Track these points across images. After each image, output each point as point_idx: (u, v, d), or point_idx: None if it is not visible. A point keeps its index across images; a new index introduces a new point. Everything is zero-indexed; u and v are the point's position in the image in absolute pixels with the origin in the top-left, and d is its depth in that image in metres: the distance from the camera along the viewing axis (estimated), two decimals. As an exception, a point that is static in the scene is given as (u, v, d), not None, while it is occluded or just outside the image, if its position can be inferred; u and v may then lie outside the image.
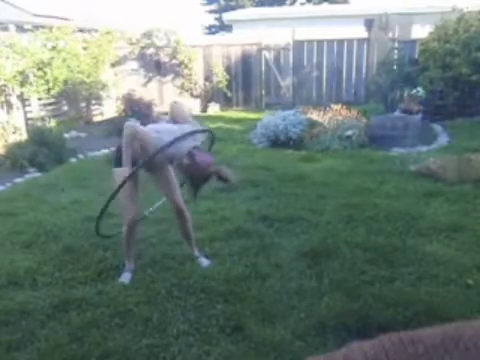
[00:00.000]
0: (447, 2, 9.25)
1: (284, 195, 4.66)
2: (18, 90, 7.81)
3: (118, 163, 2.86)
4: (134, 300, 2.77)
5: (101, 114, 10.61)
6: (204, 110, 11.29)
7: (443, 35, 8.38)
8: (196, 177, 2.76)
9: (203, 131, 3.26)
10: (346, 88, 11.46)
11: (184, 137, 2.75)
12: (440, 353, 1.04)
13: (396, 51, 9.68)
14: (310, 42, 11.23)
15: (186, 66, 11.30)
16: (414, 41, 9.71)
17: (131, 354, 2.31)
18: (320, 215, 4.08)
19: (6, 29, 7.93)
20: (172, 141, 2.68)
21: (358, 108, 8.03)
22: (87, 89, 9.36)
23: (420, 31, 9.16)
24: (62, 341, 2.40)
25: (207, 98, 11.48)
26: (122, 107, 9.62)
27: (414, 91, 8.40)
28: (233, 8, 20.82)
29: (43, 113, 8.76)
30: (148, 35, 11.14)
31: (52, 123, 8.16)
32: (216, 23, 25.50)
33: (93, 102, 10.31)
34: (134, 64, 11.55)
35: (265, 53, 11.38)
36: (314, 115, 7.52)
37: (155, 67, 11.65)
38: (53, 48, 8.41)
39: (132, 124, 2.85)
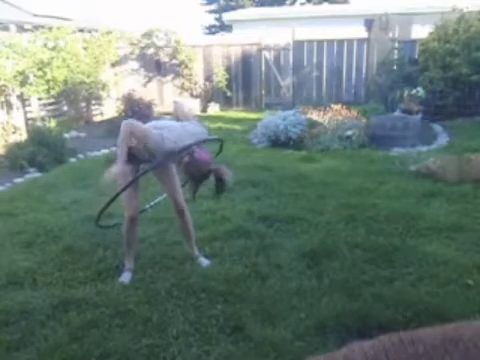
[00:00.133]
0: (447, 2, 9.26)
1: (284, 195, 4.66)
2: (18, 90, 7.81)
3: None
4: (134, 300, 2.77)
5: (101, 114, 10.61)
6: (204, 110, 11.30)
7: (443, 35, 8.39)
8: (195, 174, 2.76)
9: (213, 140, 3.26)
10: (346, 88, 11.47)
11: (195, 144, 2.76)
12: (440, 353, 1.04)
13: (396, 51, 9.69)
14: (310, 42, 11.23)
15: (186, 66, 11.31)
16: (414, 41, 9.71)
17: (131, 354, 2.31)
18: (320, 215, 4.08)
19: (6, 29, 7.93)
20: (188, 145, 2.69)
21: (358, 108, 8.03)
22: (87, 89, 9.36)
23: (420, 31, 9.16)
24: (62, 341, 2.40)
25: (207, 98, 11.48)
26: (122, 107, 9.62)
27: (414, 91, 8.41)
28: (233, 8, 20.82)
29: (43, 113, 8.75)
30: (148, 35, 11.15)
31: (52, 123, 8.17)
32: (216, 23, 25.50)
33: (93, 102, 10.30)
34: (134, 64, 11.57)
35: (265, 53, 11.39)
36: (314, 115, 7.53)
37: (155, 67, 11.66)
38: (53, 48, 8.41)
39: (130, 121, 2.84)
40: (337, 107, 7.74)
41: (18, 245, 3.65)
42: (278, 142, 7.01)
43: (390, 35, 9.66)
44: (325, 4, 21.99)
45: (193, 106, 10.85)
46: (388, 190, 4.74)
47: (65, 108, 9.63)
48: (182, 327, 2.50)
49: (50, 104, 9.12)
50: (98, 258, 3.33)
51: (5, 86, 7.57)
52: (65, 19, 9.42)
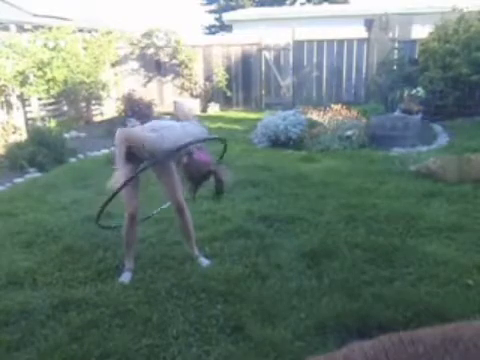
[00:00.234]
0: (447, 2, 9.26)
1: (284, 195, 4.66)
2: (18, 90, 7.81)
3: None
4: (134, 300, 2.77)
5: (101, 114, 10.60)
6: (204, 110, 11.30)
7: (443, 35, 8.39)
8: (194, 175, 2.76)
9: (213, 139, 3.27)
10: (346, 88, 11.46)
11: (195, 143, 2.78)
12: (440, 353, 1.04)
13: (396, 51, 9.68)
14: (310, 42, 11.23)
15: (186, 66, 11.31)
16: (414, 41, 9.71)
17: (131, 354, 2.31)
18: (320, 215, 4.08)
19: (6, 29, 7.93)
20: (187, 143, 2.71)
21: (358, 108, 8.03)
22: (87, 89, 9.36)
23: (420, 31, 9.16)
24: (62, 341, 2.40)
25: (207, 98, 11.49)
26: (122, 107, 9.62)
27: (414, 91, 8.41)
28: (233, 8, 20.82)
29: (43, 113, 8.75)
30: (148, 35, 11.15)
31: (52, 123, 8.16)
32: (216, 23, 25.50)
33: (93, 102, 10.30)
34: (134, 64, 11.57)
35: (265, 53, 11.39)
36: (314, 115, 7.53)
37: (155, 67, 11.66)
38: (53, 48, 8.41)
39: (124, 129, 2.85)
40: (337, 107, 7.74)
41: (18, 245, 3.65)
42: (278, 142, 7.01)
43: (390, 35, 9.66)
44: (325, 4, 21.99)
45: (193, 106, 10.85)
46: (388, 190, 4.74)
47: (65, 108, 9.63)
48: (182, 327, 2.50)
49: (50, 104, 9.12)
50: (98, 258, 3.33)
51: (5, 86, 7.57)
52: (65, 19, 9.41)
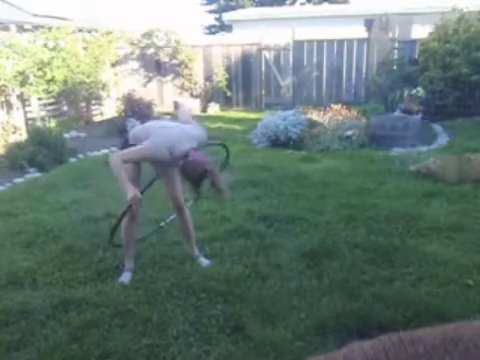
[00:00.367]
0: (447, 2, 9.26)
1: (284, 195, 4.66)
2: (18, 90, 7.81)
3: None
4: (134, 300, 2.77)
5: (101, 114, 10.61)
6: (204, 110, 11.30)
7: (443, 35, 8.39)
8: (191, 175, 2.77)
9: (215, 144, 3.28)
10: (346, 88, 11.46)
11: (202, 147, 2.85)
12: (440, 353, 1.04)
13: (396, 51, 9.68)
14: (310, 42, 11.23)
15: (186, 66, 11.31)
16: (414, 41, 9.71)
17: (131, 354, 2.31)
18: (320, 215, 4.08)
19: (6, 29, 7.93)
20: (192, 149, 2.77)
21: (358, 108, 8.03)
22: (87, 89, 9.36)
23: (420, 31, 9.16)
24: (62, 341, 2.40)
25: (207, 98, 11.48)
26: (122, 107, 9.62)
27: (414, 91, 8.41)
28: (233, 8, 20.81)
29: (43, 113, 8.75)
30: (148, 35, 11.15)
31: (52, 123, 8.16)
32: (216, 23, 25.49)
33: (93, 102, 10.30)
34: (134, 64, 11.57)
35: (265, 53, 11.38)
36: (314, 115, 7.53)
37: (155, 67, 11.66)
38: (53, 48, 8.41)
39: (115, 154, 2.81)
40: (337, 107, 7.74)
41: (18, 245, 3.65)
42: (278, 142, 7.01)
43: (390, 35, 9.66)
44: (325, 4, 21.99)
45: (193, 106, 10.86)
46: (388, 190, 4.74)
47: (65, 108, 9.63)
48: (182, 327, 2.50)
49: (50, 104, 9.12)
50: (98, 258, 3.33)
51: (5, 86, 7.57)
52: (65, 19, 9.41)
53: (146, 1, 47.89)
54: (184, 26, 26.78)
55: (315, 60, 11.36)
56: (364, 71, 11.12)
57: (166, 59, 11.48)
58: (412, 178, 5.10)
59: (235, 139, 7.51)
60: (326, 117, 7.40)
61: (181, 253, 3.36)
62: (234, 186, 4.81)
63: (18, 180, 5.73)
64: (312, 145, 6.79)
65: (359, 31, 10.60)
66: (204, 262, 3.23)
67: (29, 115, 8.36)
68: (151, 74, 11.72)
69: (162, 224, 3.65)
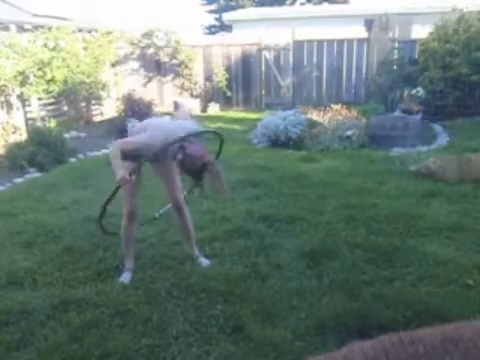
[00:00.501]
0: (447, 2, 9.26)
1: (284, 195, 4.66)
2: (18, 90, 7.81)
3: (123, 158, 2.89)
4: (134, 300, 2.77)
5: (101, 114, 10.60)
6: (204, 110, 11.30)
7: (443, 35, 8.38)
8: (190, 168, 2.78)
9: (208, 132, 3.28)
10: (346, 88, 11.46)
11: (190, 135, 2.82)
12: (440, 353, 1.05)
13: (396, 51, 9.68)
14: (310, 42, 11.23)
15: (186, 66, 11.31)
16: (414, 41, 9.71)
17: (131, 354, 2.31)
18: (320, 215, 4.07)
19: (6, 29, 7.93)
20: (182, 137, 2.75)
21: (358, 108, 8.03)
22: (87, 89, 9.36)
23: (420, 31, 9.16)
24: (62, 341, 2.40)
25: (207, 98, 11.48)
26: (122, 107, 9.62)
27: (414, 91, 8.40)
28: (233, 8, 20.81)
29: (43, 113, 8.75)
30: (148, 35, 11.15)
31: (52, 123, 8.16)
32: (216, 23, 25.49)
33: (93, 102, 10.30)
34: (134, 64, 11.57)
35: (265, 53, 11.38)
36: (314, 115, 7.53)
37: (155, 67, 11.66)
38: (53, 48, 8.41)
39: (115, 142, 2.83)
40: (337, 107, 7.74)
41: (18, 245, 3.65)
42: (278, 142, 7.01)
43: (390, 35, 9.66)
44: (325, 4, 21.98)
45: (193, 106, 10.86)
46: (388, 190, 4.74)
47: (65, 108, 9.63)
48: (182, 327, 2.50)
49: (50, 104, 9.12)
50: (98, 258, 3.33)
51: (5, 86, 7.57)
52: (65, 19, 9.41)
53: (146, 1, 47.90)
54: (184, 26, 26.77)
55: (315, 60, 11.36)
56: (364, 71, 11.12)
57: (166, 59, 11.47)
58: (412, 178, 5.10)
59: (235, 139, 7.51)
60: (326, 117, 7.40)
61: (181, 253, 3.36)
62: (234, 186, 4.82)
63: (18, 180, 5.73)
64: (312, 145, 6.79)
65: (359, 31, 10.60)
66: (204, 262, 3.23)
67: (29, 115, 8.36)
68: (151, 74, 11.72)
69: (156, 215, 3.64)
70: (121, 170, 2.65)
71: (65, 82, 8.56)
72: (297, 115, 7.34)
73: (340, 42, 11.13)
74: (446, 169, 4.92)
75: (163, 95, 11.76)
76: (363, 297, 2.68)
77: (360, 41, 10.96)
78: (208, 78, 11.58)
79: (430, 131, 7.81)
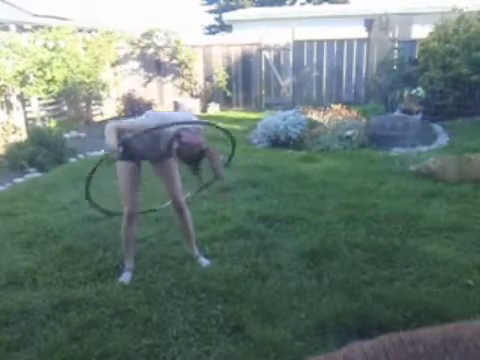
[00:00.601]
0: (447, 2, 9.26)
1: (284, 195, 4.66)
2: (18, 90, 7.81)
3: (124, 157, 2.92)
4: (134, 300, 2.77)
5: (101, 114, 10.60)
6: (204, 110, 11.30)
7: (443, 35, 8.39)
8: (188, 156, 2.79)
9: (206, 124, 3.31)
10: (346, 88, 11.47)
11: (191, 123, 2.86)
12: (440, 353, 1.05)
13: (396, 51, 9.68)
14: (310, 42, 11.23)
15: (186, 66, 11.32)
16: (414, 41, 9.71)
17: (131, 354, 2.31)
18: (320, 215, 4.07)
19: (6, 29, 7.93)
20: (181, 122, 2.81)
21: (358, 108, 8.04)
22: (87, 89, 9.36)
23: (420, 31, 9.16)
24: (62, 341, 2.40)
25: (207, 98, 11.49)
26: (122, 107, 9.62)
27: (414, 91, 8.41)
28: (233, 8, 20.81)
29: (43, 113, 8.75)
30: (148, 35, 11.15)
31: (52, 123, 8.16)
32: (216, 23, 25.49)
33: (93, 102, 10.30)
34: (134, 64, 11.56)
35: (265, 53, 11.39)
36: (314, 115, 7.53)
37: (155, 67, 11.66)
38: (53, 48, 8.41)
39: (112, 122, 2.87)
40: (337, 107, 7.75)
41: (18, 245, 3.65)
42: (278, 142, 7.01)
43: (390, 35, 9.66)
44: (325, 4, 21.98)
45: (193, 106, 10.86)
46: (388, 190, 4.74)
47: (65, 108, 9.63)
48: (182, 327, 2.50)
49: (50, 104, 9.12)
50: (98, 258, 3.33)
51: (5, 86, 7.57)
52: (65, 19, 9.41)
53: (146, 1, 47.90)
54: (184, 26, 26.83)
55: (315, 60, 11.36)
56: (364, 71, 11.12)
57: (166, 59, 11.48)
58: (412, 178, 5.10)
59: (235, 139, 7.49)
60: (326, 117, 7.40)
61: (181, 253, 3.36)
62: (234, 186, 4.82)
63: (18, 180, 5.73)
64: (312, 145, 6.79)
65: (359, 31, 10.60)
66: (204, 262, 3.23)
67: (29, 115, 8.36)
68: (151, 74, 11.72)
69: (156, 207, 3.64)
70: (112, 141, 2.66)
71: (65, 82, 8.56)
72: (297, 115, 7.34)
73: (340, 42, 11.14)
74: (446, 169, 4.92)
75: (163, 95, 11.76)
76: (363, 297, 2.68)
77: (360, 41, 10.96)
78: (208, 78, 11.58)
79: (430, 131, 7.81)
